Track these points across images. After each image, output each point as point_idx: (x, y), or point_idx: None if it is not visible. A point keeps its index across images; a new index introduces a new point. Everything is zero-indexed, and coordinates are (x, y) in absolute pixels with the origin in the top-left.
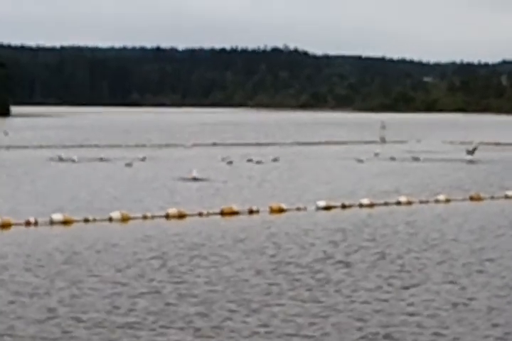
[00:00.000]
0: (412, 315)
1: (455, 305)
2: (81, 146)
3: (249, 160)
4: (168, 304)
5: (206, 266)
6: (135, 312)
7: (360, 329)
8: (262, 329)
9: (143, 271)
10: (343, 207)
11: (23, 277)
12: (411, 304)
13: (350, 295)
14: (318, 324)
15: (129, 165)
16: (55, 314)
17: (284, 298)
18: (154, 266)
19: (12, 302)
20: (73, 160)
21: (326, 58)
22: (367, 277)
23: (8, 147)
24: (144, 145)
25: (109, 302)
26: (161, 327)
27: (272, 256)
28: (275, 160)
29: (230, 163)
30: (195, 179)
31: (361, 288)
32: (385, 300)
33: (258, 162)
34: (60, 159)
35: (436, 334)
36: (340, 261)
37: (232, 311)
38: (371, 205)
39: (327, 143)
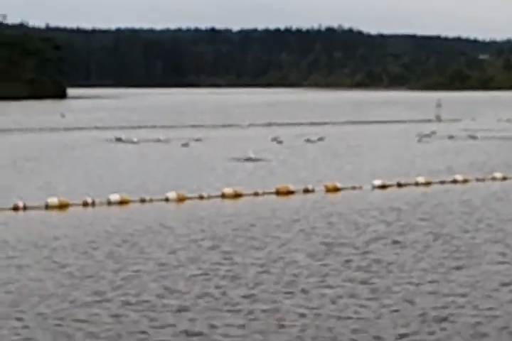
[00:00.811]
0: (464, 296)
1: (509, 285)
2: (137, 127)
3: (306, 140)
4: (219, 287)
5: (259, 247)
6: (187, 295)
7: (412, 311)
8: (312, 312)
9: (195, 253)
10: (399, 185)
11: (77, 259)
12: (463, 285)
13: (402, 277)
14: (368, 306)
15: (185, 145)
16: (104, 297)
17: (335, 280)
18: (207, 248)
19: (63, 285)
20: (133, 141)
21: (381, 37)
22: (420, 258)
23: (65, 129)
24: (199, 126)
25: (161, 285)
26: (213, 310)
27: (325, 236)
28: (331, 139)
29: (280, 142)
30: (250, 159)
31: (413, 269)
32: (437, 281)
33: (314, 141)
34: (118, 140)
35: (489, 316)
36: (393, 242)
37: (282, 293)
38: (427, 184)
39: (382, 122)
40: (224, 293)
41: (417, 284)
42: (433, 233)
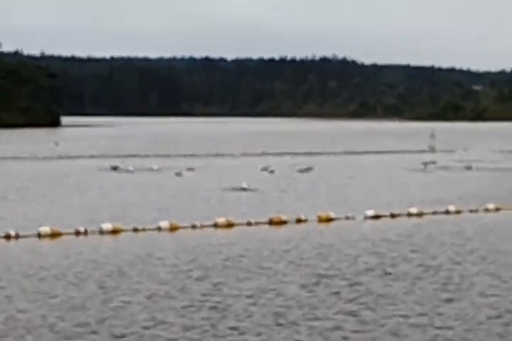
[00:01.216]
0: (452, 328)
1: (498, 318)
2: (132, 156)
3: (299, 170)
4: (208, 318)
5: (249, 278)
6: (175, 326)
7: None
8: None
9: (185, 284)
10: (392, 216)
11: (65, 289)
12: (452, 317)
13: (391, 309)
14: (352, 339)
15: (178, 174)
16: (91, 329)
17: (324, 312)
18: (197, 278)
19: (50, 316)
20: (128, 170)
21: (375, 67)
22: (410, 290)
23: (59, 157)
24: (193, 155)
25: (149, 316)
26: None
27: (316, 267)
28: (324, 169)
29: (272, 172)
30: (244, 189)
31: (403, 301)
32: (426, 314)
33: (307, 171)
34: (114, 168)
35: None
36: (384, 273)
37: (271, 325)
38: (420, 214)
39: (376, 152)
40: (213, 325)
41: (406, 316)
42: (424, 265)
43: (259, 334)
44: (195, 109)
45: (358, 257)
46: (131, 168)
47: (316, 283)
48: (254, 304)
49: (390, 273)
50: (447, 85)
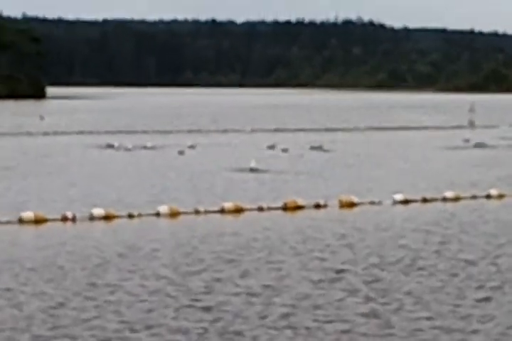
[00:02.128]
0: (481, 332)
1: None
2: (127, 132)
3: (317, 148)
4: (204, 321)
5: (255, 273)
6: (161, 327)
7: None
8: None
9: (183, 280)
10: (424, 201)
11: (43, 286)
12: (485, 320)
13: (416, 310)
14: None
15: (181, 153)
16: (66, 332)
17: (338, 313)
18: (197, 273)
19: (16, 318)
20: (126, 149)
21: (406, 31)
22: (439, 288)
23: (44, 133)
24: (198, 131)
25: (135, 317)
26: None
27: (333, 261)
28: (346, 147)
29: (285, 150)
30: (253, 169)
31: (429, 301)
32: (454, 316)
33: (326, 150)
34: (110, 146)
35: None
36: (411, 268)
37: (272, 328)
38: (456, 199)
39: (406, 128)
40: (209, 328)
41: (432, 319)
42: (459, 259)
43: (262, 339)
44: (200, 79)
45: (382, 249)
46: (129, 146)
47: (332, 280)
48: (257, 304)
49: (418, 268)
50: (489, 52)
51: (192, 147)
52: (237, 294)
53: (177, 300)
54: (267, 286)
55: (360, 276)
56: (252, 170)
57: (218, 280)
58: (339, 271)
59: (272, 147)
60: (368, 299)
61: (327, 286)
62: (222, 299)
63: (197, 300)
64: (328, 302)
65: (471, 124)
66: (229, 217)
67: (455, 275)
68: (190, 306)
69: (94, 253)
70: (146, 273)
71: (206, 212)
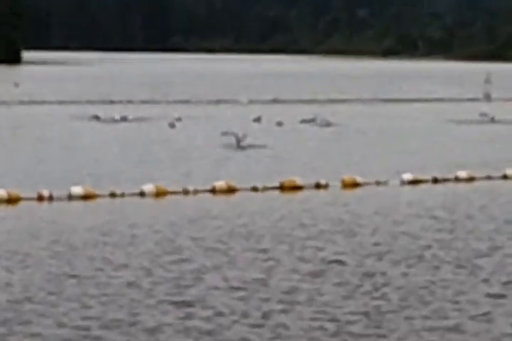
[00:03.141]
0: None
1: None
2: (110, 102)
3: (318, 122)
4: (182, 318)
5: (241, 265)
6: (137, 325)
7: None
8: None
9: (163, 271)
10: (435, 181)
11: (6, 274)
12: (495, 321)
13: (419, 308)
14: None
15: (171, 125)
16: (33, 330)
17: (332, 309)
18: (176, 263)
19: None
20: (111, 120)
21: None
22: (447, 282)
23: (19, 102)
24: (188, 102)
25: (110, 317)
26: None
27: (332, 249)
28: (349, 121)
29: (280, 124)
30: (248, 145)
31: (436, 298)
32: (462, 316)
33: (327, 124)
34: (93, 118)
35: None
36: (418, 260)
37: (256, 326)
38: (470, 179)
39: (416, 100)
40: (181, 326)
41: (439, 319)
42: (471, 249)
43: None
44: (190, 44)
45: (388, 236)
46: (117, 117)
47: (326, 271)
48: (240, 299)
49: (425, 260)
50: (509, 16)
51: (181, 119)
52: (218, 288)
53: (152, 294)
54: (252, 279)
55: (358, 268)
56: (248, 146)
57: (199, 271)
58: (336, 262)
59: (257, 119)
60: (361, 294)
61: (318, 280)
62: (202, 293)
63: (174, 295)
64: (315, 298)
65: (487, 97)
66: (220, 198)
67: (464, 267)
68: (165, 301)
69: (66, 238)
70: (120, 263)
71: (196, 191)
